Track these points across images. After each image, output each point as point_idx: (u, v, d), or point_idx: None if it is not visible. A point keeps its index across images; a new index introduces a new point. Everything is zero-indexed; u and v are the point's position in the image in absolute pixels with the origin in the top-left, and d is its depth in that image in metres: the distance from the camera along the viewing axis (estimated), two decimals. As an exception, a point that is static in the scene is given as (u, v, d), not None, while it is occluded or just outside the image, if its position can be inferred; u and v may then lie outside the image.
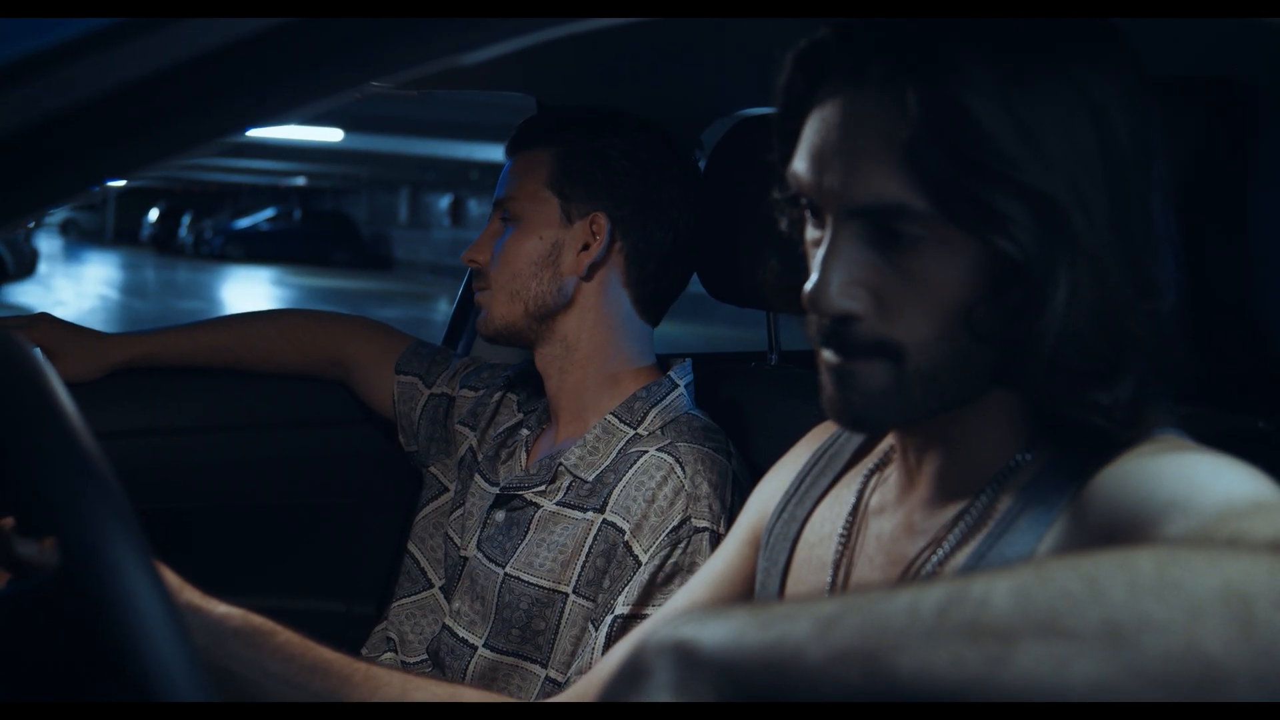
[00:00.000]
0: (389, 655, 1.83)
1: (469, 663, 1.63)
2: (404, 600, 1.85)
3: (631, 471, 1.56)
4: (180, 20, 0.74)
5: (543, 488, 1.65)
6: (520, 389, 1.84)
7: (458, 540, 1.77)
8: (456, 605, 1.70)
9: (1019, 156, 0.89)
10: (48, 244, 30.39)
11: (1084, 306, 0.90)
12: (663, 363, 1.74)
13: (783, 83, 1.00)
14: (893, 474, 1.10)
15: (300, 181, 37.73)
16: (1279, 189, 1.07)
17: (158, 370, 1.99)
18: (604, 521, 1.55)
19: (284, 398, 2.07)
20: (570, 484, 1.62)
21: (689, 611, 0.73)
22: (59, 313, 1.99)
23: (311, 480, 2.09)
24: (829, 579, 1.10)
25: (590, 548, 1.56)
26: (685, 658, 0.71)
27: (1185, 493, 0.81)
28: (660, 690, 0.71)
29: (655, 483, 1.53)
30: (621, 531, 1.53)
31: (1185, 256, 1.08)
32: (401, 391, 1.95)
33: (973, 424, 1.01)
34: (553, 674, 1.57)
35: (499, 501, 1.69)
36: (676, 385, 1.67)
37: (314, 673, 1.21)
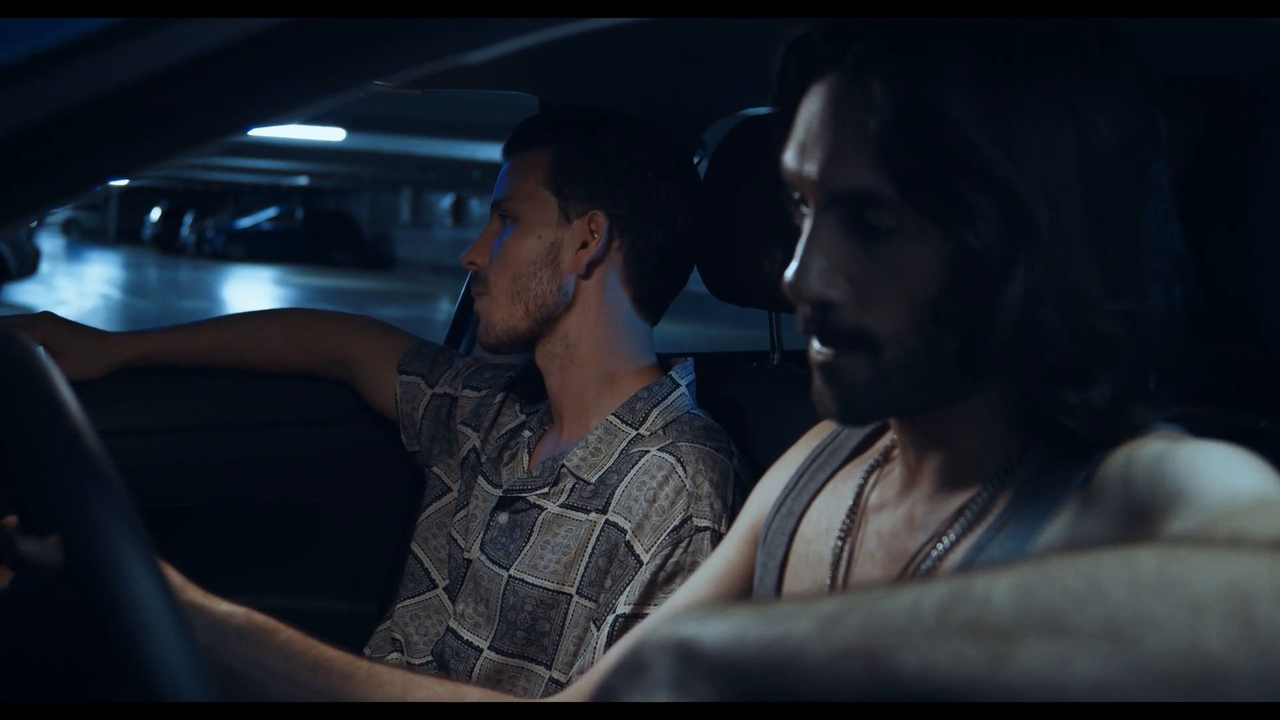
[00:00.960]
0: (394, 656, 1.83)
1: (474, 665, 1.64)
2: (408, 601, 1.85)
3: (633, 471, 1.56)
4: (182, 20, 0.74)
5: (546, 490, 1.65)
6: (522, 389, 1.84)
7: (461, 542, 1.77)
8: (461, 607, 1.70)
9: (984, 149, 0.90)
10: (50, 243, 30.41)
11: (1047, 301, 0.91)
12: (664, 362, 1.74)
13: (777, 73, 1.03)
14: (894, 471, 1.10)
15: (302, 181, 37.75)
16: (1280, 187, 1.07)
17: (160, 369, 1.99)
18: (606, 522, 1.56)
19: (286, 397, 2.07)
20: (573, 486, 1.62)
21: (690, 609, 0.73)
22: (61, 312, 1.99)
23: (314, 479, 2.09)
24: (828, 575, 1.10)
25: (593, 548, 1.56)
26: (685, 655, 0.71)
27: (1190, 485, 0.82)
28: (659, 688, 0.71)
29: (657, 482, 1.53)
30: (623, 531, 1.53)
31: (1187, 257, 1.09)
32: (404, 391, 1.95)
33: (971, 422, 1.01)
34: (556, 675, 1.57)
35: (502, 504, 1.69)
36: (678, 385, 1.68)
37: (316, 671, 1.21)
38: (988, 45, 0.92)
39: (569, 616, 1.57)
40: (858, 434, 1.20)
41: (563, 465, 1.64)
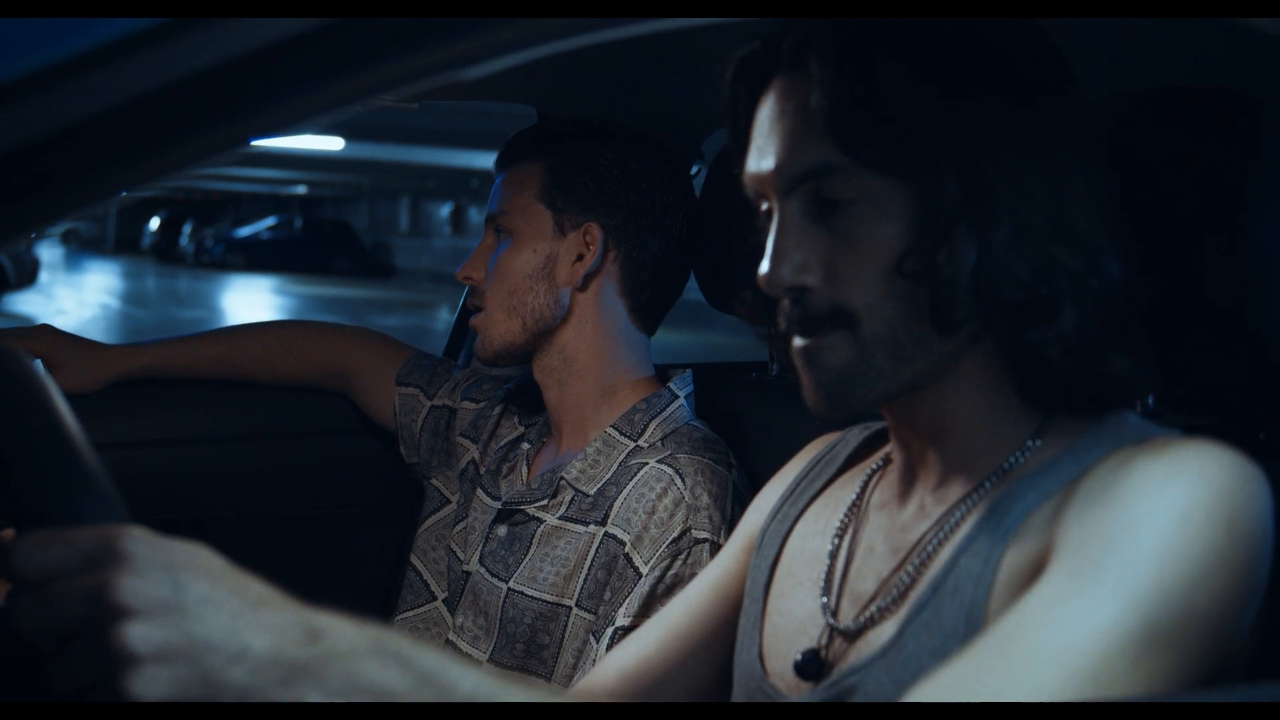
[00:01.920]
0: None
1: (471, 676, 1.63)
2: (408, 613, 1.85)
3: (632, 484, 1.56)
4: (183, 36, 0.74)
5: (545, 502, 1.64)
6: (521, 401, 1.84)
7: (460, 554, 1.77)
8: (460, 620, 1.70)
9: (928, 103, 0.94)
10: (49, 253, 30.42)
11: (1003, 240, 0.94)
12: (662, 373, 1.74)
13: (727, 97, 1.07)
14: (893, 476, 1.11)
15: (301, 190, 37.77)
16: (1277, 199, 1.07)
17: (159, 381, 1.99)
18: (605, 534, 1.55)
19: (285, 408, 2.07)
20: (572, 498, 1.62)
21: (675, 622, 0.75)
22: (60, 322, 1.99)
23: (312, 491, 2.09)
24: (824, 569, 1.10)
25: (592, 560, 1.56)
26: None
27: (1092, 541, 0.87)
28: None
29: (655, 494, 1.53)
30: (622, 543, 1.53)
31: (1184, 266, 1.09)
32: (403, 403, 1.95)
33: (964, 414, 1.02)
34: (555, 687, 1.57)
35: (501, 516, 1.69)
36: (676, 396, 1.67)
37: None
38: (926, 32, 0.96)
39: (568, 629, 1.56)
40: (854, 442, 1.21)
41: (561, 477, 1.64)
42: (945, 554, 1.00)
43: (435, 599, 1.84)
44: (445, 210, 32.23)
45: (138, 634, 0.72)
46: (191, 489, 2.03)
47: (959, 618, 0.95)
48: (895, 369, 0.99)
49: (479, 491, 1.77)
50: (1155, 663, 0.83)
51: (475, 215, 30.62)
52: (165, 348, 2.01)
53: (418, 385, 1.95)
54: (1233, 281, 1.07)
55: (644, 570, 1.50)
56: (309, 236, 32.52)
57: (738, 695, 1.17)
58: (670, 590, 1.49)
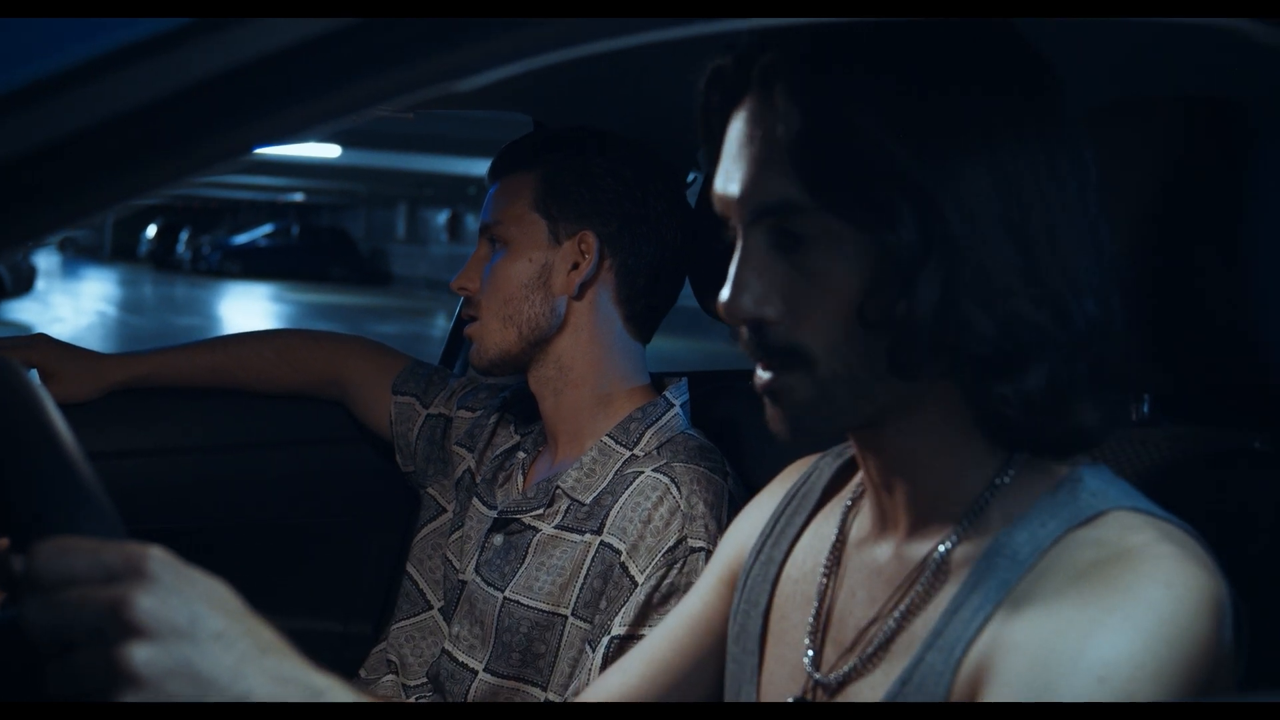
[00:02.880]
0: (390, 678, 1.82)
1: (469, 687, 1.63)
2: (404, 622, 1.85)
3: (628, 493, 1.56)
4: (181, 47, 0.74)
5: (540, 511, 1.64)
6: (517, 410, 1.84)
7: (456, 563, 1.76)
8: (456, 629, 1.70)
9: (891, 149, 0.92)
10: (46, 261, 30.39)
11: (965, 292, 0.93)
12: (658, 381, 1.74)
13: (700, 106, 1.05)
14: (868, 506, 1.10)
15: (298, 197, 37.80)
16: (1273, 205, 1.07)
17: (154, 390, 1.99)
18: (601, 543, 1.55)
19: (281, 417, 2.07)
20: (568, 507, 1.62)
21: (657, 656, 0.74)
22: (57, 329, 1.99)
23: (308, 500, 2.09)
24: (813, 611, 1.09)
25: (588, 569, 1.55)
26: None
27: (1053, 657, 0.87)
28: None
29: (651, 503, 1.53)
30: (618, 552, 1.53)
31: (1180, 274, 1.09)
32: (398, 412, 1.95)
33: (930, 451, 1.01)
34: (552, 696, 1.57)
35: (497, 525, 1.69)
36: (672, 405, 1.67)
37: None
38: (897, 53, 0.95)
39: (564, 638, 1.56)
40: (829, 472, 1.20)
41: (557, 486, 1.64)
42: (918, 628, 0.99)
43: (431, 608, 1.83)
44: (442, 218, 32.22)
45: (143, 656, 0.72)
46: (188, 498, 2.02)
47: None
48: (855, 405, 0.99)
49: (475, 500, 1.77)
50: None
51: (472, 223, 30.60)
52: (161, 357, 2.01)
53: (414, 394, 1.95)
54: (1228, 290, 1.07)
55: (640, 579, 1.50)
56: (306, 244, 32.53)
57: None
58: (666, 599, 1.49)
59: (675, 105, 2.03)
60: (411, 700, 1.77)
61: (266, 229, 34.01)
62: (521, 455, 1.76)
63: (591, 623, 1.54)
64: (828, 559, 1.11)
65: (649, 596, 1.49)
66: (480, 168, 1.87)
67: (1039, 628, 0.89)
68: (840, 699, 1.03)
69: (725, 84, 1.02)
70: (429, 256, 31.73)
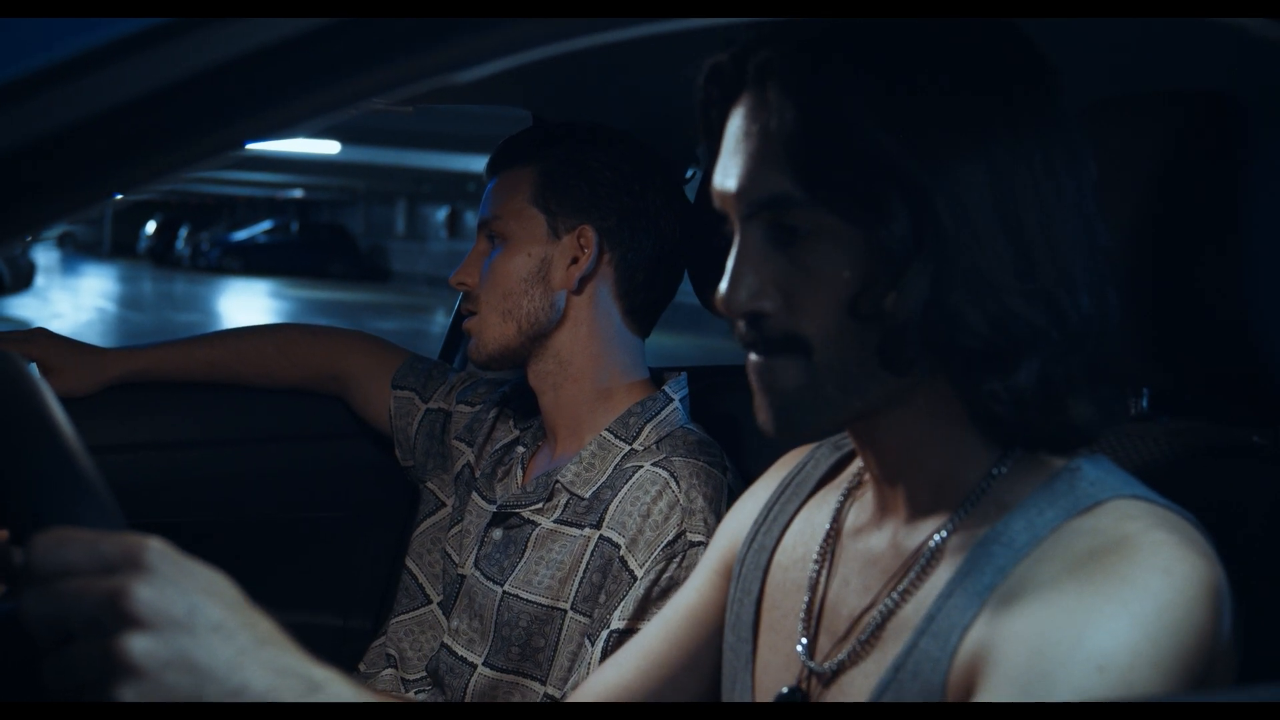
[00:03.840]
0: (389, 672, 1.83)
1: (469, 681, 1.63)
2: (403, 616, 1.85)
3: (627, 487, 1.56)
4: (177, 40, 0.75)
5: (540, 505, 1.65)
6: (516, 404, 1.84)
7: (455, 558, 1.77)
8: (455, 623, 1.70)
9: (884, 143, 0.92)
10: (45, 257, 30.38)
11: (956, 287, 0.93)
12: (657, 376, 1.74)
13: (699, 102, 1.06)
14: (869, 493, 1.10)
15: (297, 194, 37.78)
16: (1271, 203, 1.07)
17: (155, 385, 2.00)
18: (600, 537, 1.55)
19: (280, 412, 2.07)
20: (567, 501, 1.62)
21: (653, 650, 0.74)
22: (56, 326, 1.99)
23: (308, 494, 2.09)
24: (805, 600, 1.10)
25: (587, 564, 1.56)
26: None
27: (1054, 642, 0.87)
28: None
29: (650, 497, 1.53)
30: (617, 546, 1.53)
31: (1178, 270, 1.09)
32: (398, 406, 1.95)
33: (925, 444, 1.02)
34: (551, 690, 1.57)
35: (496, 519, 1.69)
36: (671, 400, 1.67)
37: None
38: (891, 48, 0.95)
39: (563, 632, 1.56)
40: (825, 463, 1.20)
41: (556, 481, 1.64)
42: (910, 614, 0.99)
43: (430, 602, 1.84)
44: (441, 214, 32.22)
45: (142, 646, 0.72)
46: (187, 492, 2.03)
47: (919, 697, 0.95)
48: (844, 399, 0.99)
49: (474, 495, 1.77)
50: None
51: (471, 219, 30.57)
52: (161, 351, 2.01)
53: (413, 389, 1.95)
54: (1226, 285, 1.07)
55: (639, 573, 1.50)
56: (305, 240, 32.50)
57: None
58: (665, 593, 1.49)
59: (674, 100, 2.03)
60: (410, 694, 1.77)
61: (266, 225, 33.97)
62: (521, 450, 1.76)
63: (591, 617, 1.54)
64: (820, 547, 1.11)
65: (648, 590, 1.49)
66: (479, 164, 1.86)
67: (1037, 615, 0.89)
68: (835, 687, 1.03)
69: (723, 80, 1.02)
70: (428, 253, 31.71)
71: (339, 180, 31.83)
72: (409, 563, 1.89)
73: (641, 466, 1.57)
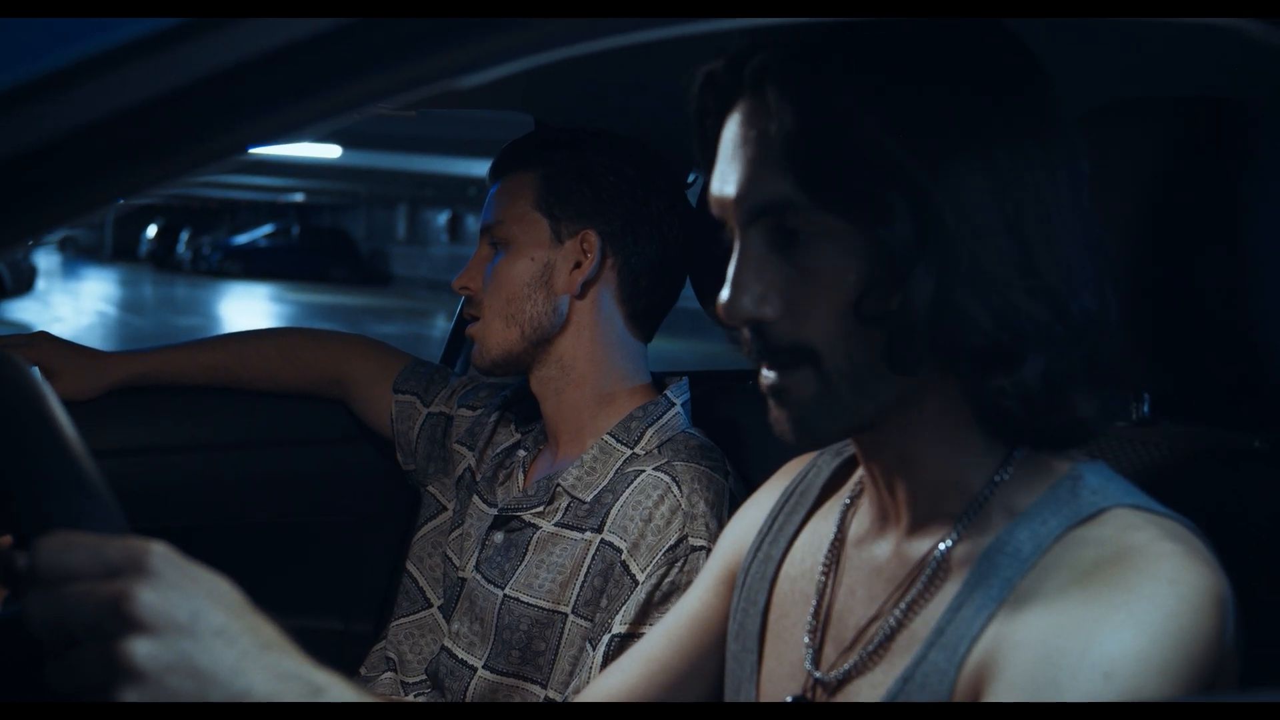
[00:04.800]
0: (388, 675, 1.83)
1: (468, 684, 1.63)
2: (403, 620, 1.85)
3: (629, 491, 1.56)
4: (180, 44, 0.75)
5: (541, 508, 1.65)
6: (517, 408, 1.84)
7: (456, 561, 1.77)
8: (455, 626, 1.70)
9: (884, 144, 0.92)
10: (46, 260, 30.39)
11: (960, 286, 0.93)
12: (658, 381, 1.74)
13: (694, 111, 1.05)
14: (869, 503, 1.10)
15: (298, 198, 37.78)
16: (1271, 205, 1.08)
17: (156, 389, 2.00)
18: (602, 541, 1.55)
19: (282, 416, 2.07)
20: (568, 504, 1.62)
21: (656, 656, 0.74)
22: (57, 329, 1.99)
23: (309, 498, 2.09)
24: (812, 609, 1.10)
25: (588, 567, 1.56)
26: None
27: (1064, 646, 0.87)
28: None
29: (652, 502, 1.53)
30: (619, 551, 1.53)
31: (1180, 274, 1.09)
32: (399, 410, 1.95)
33: (930, 448, 1.02)
34: (552, 694, 1.57)
35: (497, 522, 1.69)
36: (673, 404, 1.67)
37: None
38: (889, 51, 0.95)
39: (564, 636, 1.56)
40: (827, 470, 1.20)
41: (558, 484, 1.64)
42: (919, 626, 0.99)
43: (431, 606, 1.84)
44: (442, 218, 32.22)
45: (145, 651, 0.72)
46: (189, 496, 2.03)
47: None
48: (858, 402, 0.98)
49: (475, 498, 1.77)
50: None
51: (472, 223, 30.56)
52: (163, 355, 2.01)
53: (414, 393, 1.95)
54: (1228, 289, 1.07)
55: (641, 578, 1.50)
56: (306, 244, 32.50)
57: None
58: (667, 598, 1.49)
59: (677, 104, 2.03)
60: (410, 697, 1.77)
61: (267, 229, 33.98)
62: (522, 453, 1.76)
63: (592, 621, 1.54)
64: (826, 557, 1.11)
65: (650, 595, 1.49)
66: (481, 168, 1.86)
67: (1044, 625, 0.89)
68: (840, 697, 1.03)
69: (718, 87, 1.02)
70: (429, 257, 31.71)
71: (340, 184, 31.83)
72: (409, 566, 1.89)
73: (643, 471, 1.57)
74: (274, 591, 2.05)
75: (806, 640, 1.08)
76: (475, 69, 0.80)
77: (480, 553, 1.70)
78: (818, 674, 1.05)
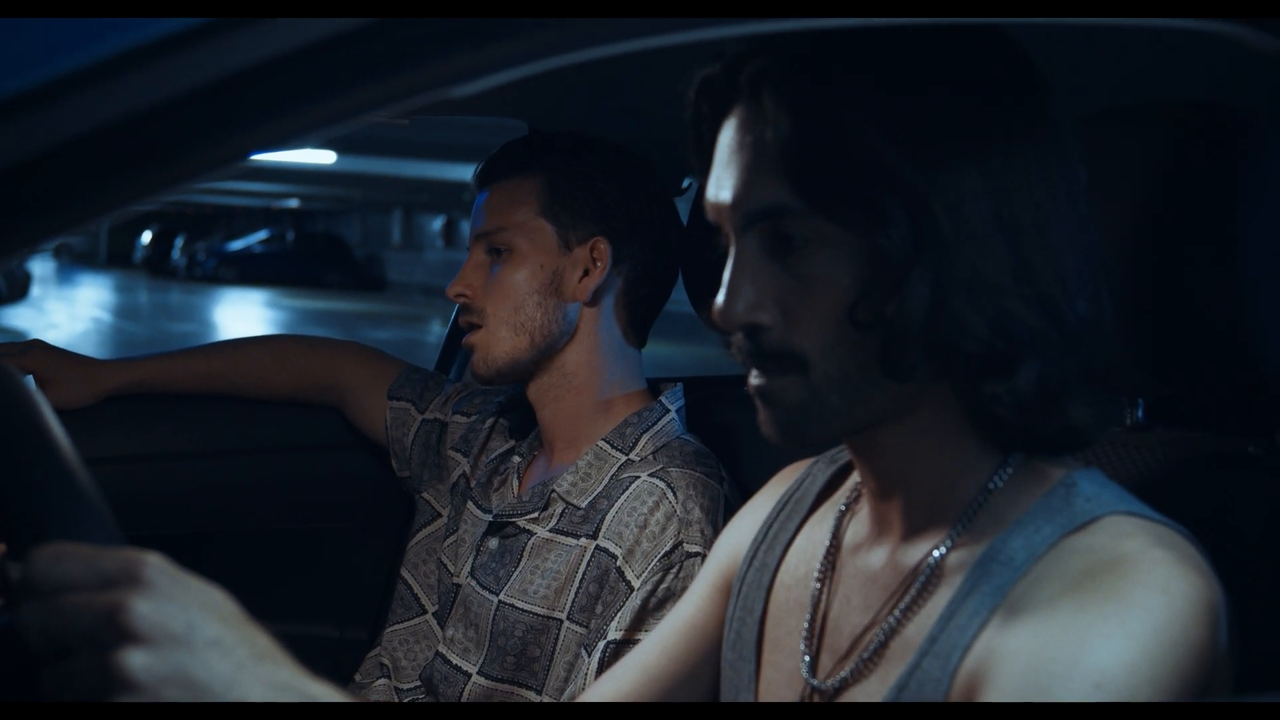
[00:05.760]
0: (382, 681, 1.82)
1: (463, 689, 1.63)
2: (397, 626, 1.85)
3: (624, 497, 1.56)
4: (177, 54, 0.75)
5: (535, 515, 1.64)
6: (512, 415, 1.84)
7: (451, 567, 1.77)
8: (450, 632, 1.70)
9: (880, 150, 0.92)
10: (41, 267, 30.37)
11: (956, 292, 0.93)
12: (653, 386, 1.74)
13: (690, 116, 1.05)
14: (865, 509, 1.10)
15: (293, 203, 37.75)
16: (1267, 212, 1.08)
17: (151, 396, 1.99)
18: (597, 547, 1.55)
19: (277, 423, 2.07)
20: (563, 511, 1.62)
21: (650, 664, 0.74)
22: (52, 336, 1.99)
23: (304, 505, 2.09)
24: (807, 617, 1.10)
25: (583, 574, 1.56)
26: None
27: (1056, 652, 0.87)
28: None
29: (647, 508, 1.53)
30: (614, 557, 1.53)
31: (1175, 279, 1.09)
32: (394, 417, 1.95)
33: (925, 454, 1.02)
34: (547, 700, 1.57)
35: (492, 529, 1.69)
36: (668, 410, 1.67)
37: None
38: (886, 60, 0.95)
39: (559, 642, 1.56)
40: (822, 477, 1.20)
41: (553, 490, 1.64)
42: (913, 634, 0.99)
43: (425, 612, 1.83)
44: (437, 223, 32.21)
45: (139, 662, 0.72)
46: (183, 504, 2.02)
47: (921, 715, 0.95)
48: (849, 408, 0.99)
49: (470, 504, 1.77)
50: None
51: (467, 228, 30.53)
52: (157, 363, 2.00)
53: (409, 399, 1.95)
54: (1223, 295, 1.07)
55: (636, 584, 1.50)
56: (301, 250, 32.51)
57: None
58: (662, 604, 1.49)
59: (673, 111, 2.03)
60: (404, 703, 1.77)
61: (261, 235, 33.96)
62: (517, 459, 1.76)
63: (587, 627, 1.54)
64: (822, 565, 1.11)
65: (645, 601, 1.49)
66: (475, 173, 1.85)
67: (1035, 634, 0.89)
68: (837, 704, 1.03)
69: (714, 93, 1.02)
70: (424, 262, 31.71)
71: (335, 190, 31.80)
72: (404, 573, 1.88)
73: (638, 477, 1.57)
74: (269, 598, 2.06)
75: (803, 648, 1.08)
76: (472, 78, 0.80)
77: (475, 559, 1.70)
78: (815, 682, 1.05)
